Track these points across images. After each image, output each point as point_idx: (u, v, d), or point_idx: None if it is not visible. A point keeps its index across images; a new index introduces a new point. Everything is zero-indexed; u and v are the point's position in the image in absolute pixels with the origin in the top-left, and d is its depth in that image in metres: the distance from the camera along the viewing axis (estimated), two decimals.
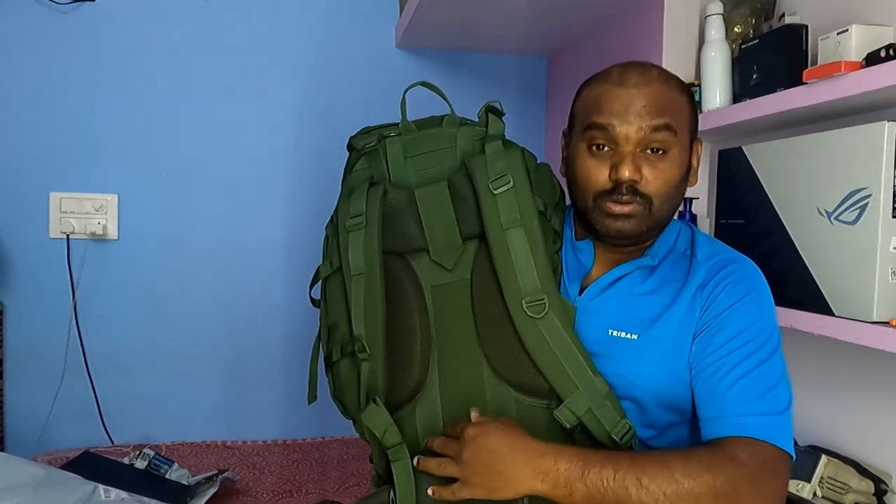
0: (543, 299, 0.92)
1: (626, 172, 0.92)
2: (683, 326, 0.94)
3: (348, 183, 1.04)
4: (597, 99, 0.96)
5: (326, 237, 1.04)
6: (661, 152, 0.94)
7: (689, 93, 0.99)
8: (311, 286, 1.05)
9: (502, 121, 1.02)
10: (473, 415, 0.92)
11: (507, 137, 1.02)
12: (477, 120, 1.03)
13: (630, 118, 0.92)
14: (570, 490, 0.82)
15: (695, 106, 1.00)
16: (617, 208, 0.94)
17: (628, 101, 0.93)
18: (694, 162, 1.00)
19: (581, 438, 0.92)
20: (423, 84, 1.07)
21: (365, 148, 1.04)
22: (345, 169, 1.07)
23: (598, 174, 0.95)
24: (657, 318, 0.95)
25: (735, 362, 0.90)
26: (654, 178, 0.93)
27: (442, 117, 1.04)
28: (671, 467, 0.81)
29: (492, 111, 1.02)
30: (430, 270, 0.98)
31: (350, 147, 1.07)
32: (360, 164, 1.04)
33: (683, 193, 1.00)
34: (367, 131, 1.06)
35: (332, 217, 1.03)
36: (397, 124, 1.05)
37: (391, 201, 0.99)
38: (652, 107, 0.92)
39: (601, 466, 0.82)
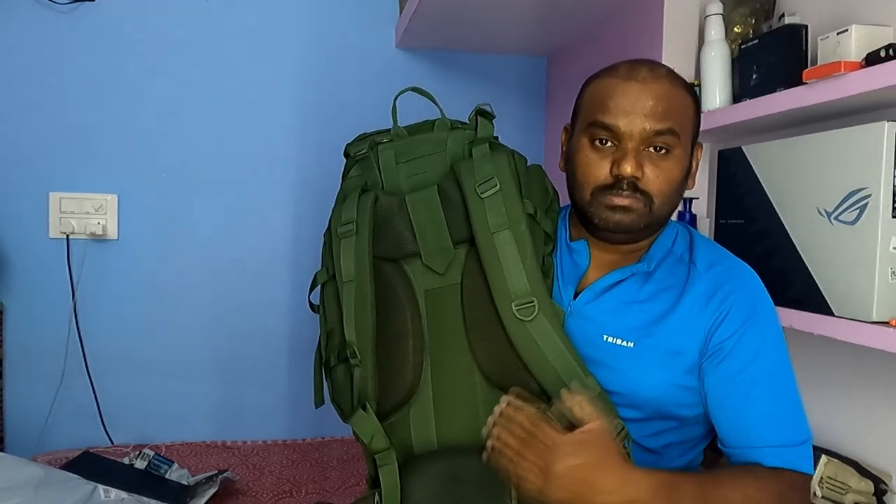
0: (533, 301, 0.92)
1: (628, 168, 0.91)
2: (684, 336, 0.94)
3: (342, 190, 1.05)
4: (603, 94, 0.95)
5: (325, 243, 1.04)
6: (664, 151, 0.93)
7: (695, 95, 0.99)
8: (310, 292, 1.06)
9: (492, 123, 1.03)
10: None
11: (501, 139, 1.03)
12: (468, 123, 1.03)
13: (635, 117, 0.92)
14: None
15: (699, 109, 1.00)
16: (617, 200, 0.93)
17: (635, 98, 0.92)
18: (693, 165, 1.00)
19: None
20: (414, 89, 1.07)
21: (357, 155, 1.05)
22: (342, 176, 1.07)
23: (599, 168, 0.94)
24: (654, 326, 0.95)
25: (759, 389, 0.92)
26: (655, 177, 0.93)
27: (433, 121, 1.05)
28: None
29: (482, 114, 1.02)
30: (423, 275, 0.98)
31: (346, 154, 1.08)
32: (354, 171, 1.05)
33: (682, 195, 1.00)
34: (361, 138, 1.07)
35: (328, 224, 1.04)
36: (390, 130, 1.05)
37: (383, 207, 0.99)
38: (658, 107, 0.92)
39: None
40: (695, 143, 0.99)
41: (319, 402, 1.05)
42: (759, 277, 0.99)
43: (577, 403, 0.84)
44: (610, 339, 0.96)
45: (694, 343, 0.94)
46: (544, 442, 0.81)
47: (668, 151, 0.93)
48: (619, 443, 0.84)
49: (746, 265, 1.00)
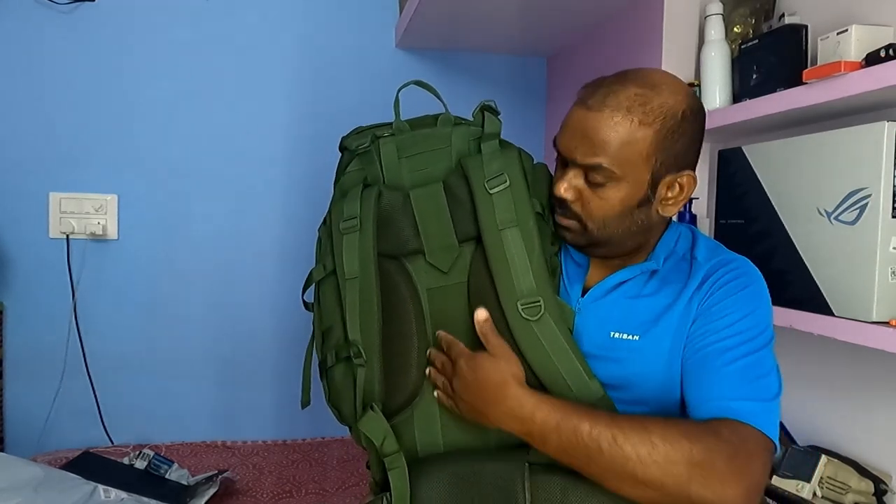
0: (538, 301, 0.91)
1: (559, 189, 0.94)
2: (682, 323, 0.94)
3: (341, 185, 1.02)
4: (568, 111, 0.96)
5: (319, 240, 1.02)
6: (597, 183, 0.92)
7: (668, 121, 0.89)
8: (304, 290, 1.03)
9: (499, 120, 1.01)
10: (480, 314, 0.92)
11: (503, 137, 1.01)
12: (472, 119, 1.02)
13: (571, 144, 0.92)
14: (544, 439, 0.84)
15: (675, 136, 0.90)
16: (560, 220, 0.97)
17: (576, 125, 0.92)
18: (664, 192, 0.93)
19: None
20: (417, 83, 1.05)
21: (358, 149, 1.02)
22: (337, 170, 1.04)
23: (554, 184, 0.96)
24: (657, 318, 0.95)
25: (725, 349, 0.89)
26: (588, 202, 0.93)
27: (436, 117, 1.03)
28: (649, 430, 0.81)
29: (488, 110, 1.01)
30: (425, 273, 0.96)
31: (342, 148, 1.05)
32: (354, 166, 1.02)
33: (642, 219, 0.94)
34: (359, 131, 1.04)
35: (324, 219, 1.01)
36: (390, 124, 1.03)
37: (385, 203, 0.97)
38: (592, 140, 0.89)
39: (578, 420, 0.82)
40: (666, 174, 0.92)
41: (307, 402, 1.02)
42: (759, 272, 0.98)
43: (483, 334, 0.91)
44: (616, 335, 0.95)
45: (687, 326, 0.93)
46: (454, 360, 0.91)
47: (602, 185, 0.92)
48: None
49: (748, 261, 0.99)
